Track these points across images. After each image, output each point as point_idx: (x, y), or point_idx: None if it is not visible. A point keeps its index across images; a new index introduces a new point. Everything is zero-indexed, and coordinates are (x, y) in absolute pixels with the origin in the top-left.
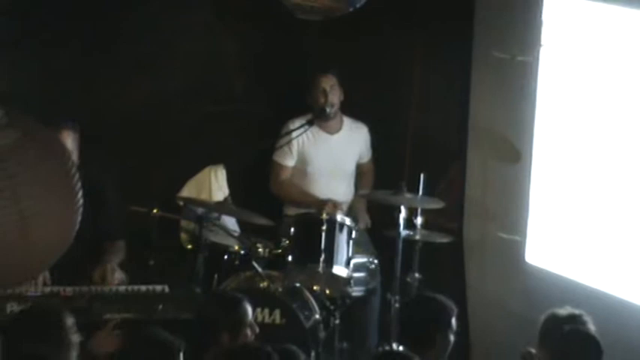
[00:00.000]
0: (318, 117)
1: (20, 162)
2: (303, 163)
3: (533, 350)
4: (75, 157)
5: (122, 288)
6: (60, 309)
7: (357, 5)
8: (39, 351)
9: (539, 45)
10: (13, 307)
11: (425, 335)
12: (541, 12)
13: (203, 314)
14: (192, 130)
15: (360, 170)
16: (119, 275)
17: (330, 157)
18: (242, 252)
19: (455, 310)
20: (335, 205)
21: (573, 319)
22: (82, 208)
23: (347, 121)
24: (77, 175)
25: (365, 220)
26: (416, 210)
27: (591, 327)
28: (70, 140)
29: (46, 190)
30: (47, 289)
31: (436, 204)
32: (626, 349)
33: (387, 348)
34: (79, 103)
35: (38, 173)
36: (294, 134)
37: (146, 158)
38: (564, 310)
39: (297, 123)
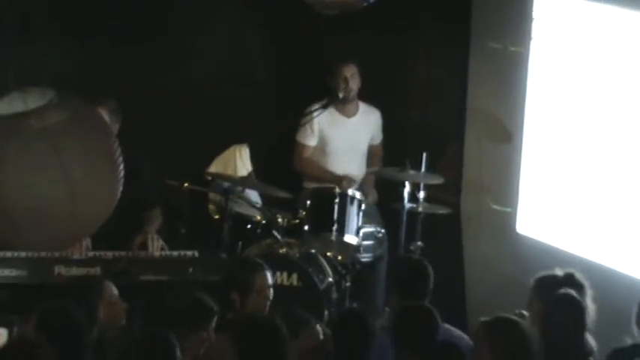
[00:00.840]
0: (338, 101)
1: (69, 138)
2: (322, 143)
3: (525, 312)
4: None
5: (157, 253)
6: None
7: (371, 0)
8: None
9: (530, 38)
10: (60, 270)
11: (416, 288)
12: (532, 9)
13: (227, 277)
14: (219, 112)
15: (370, 151)
16: (159, 243)
17: (347, 137)
18: (263, 222)
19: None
20: (350, 180)
21: (570, 277)
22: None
23: (362, 106)
24: (119, 151)
25: (373, 196)
26: (419, 185)
27: (585, 282)
28: (106, 115)
29: (91, 164)
30: (90, 254)
31: (437, 180)
32: (607, 314)
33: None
34: (120, 87)
35: (85, 148)
36: (314, 115)
37: (178, 137)
38: (559, 272)
39: (315, 106)
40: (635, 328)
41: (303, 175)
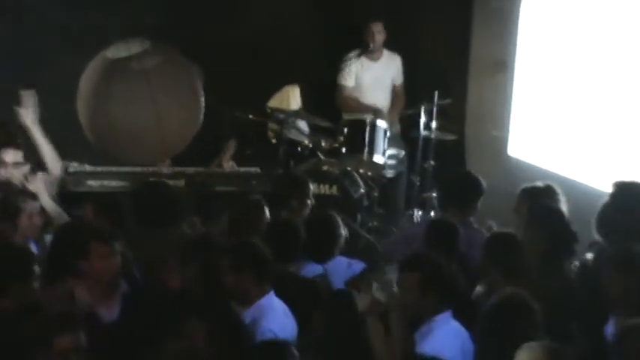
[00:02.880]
0: (367, 50)
1: (160, 76)
2: (357, 81)
3: (493, 224)
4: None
5: (228, 169)
6: None
7: None
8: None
9: None
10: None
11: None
12: None
13: (279, 188)
14: (276, 60)
15: (394, 91)
16: (230, 164)
17: (373, 77)
18: (310, 145)
19: None
20: (379, 110)
21: (548, 187)
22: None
23: (386, 53)
24: (201, 88)
25: (396, 127)
26: (432, 116)
27: (562, 198)
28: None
29: (178, 98)
30: (176, 169)
31: (445, 113)
32: (581, 222)
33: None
34: (202, 37)
35: (173, 86)
36: (349, 62)
37: (246, 80)
38: (540, 183)
39: (350, 55)
40: (596, 234)
41: (342, 109)
